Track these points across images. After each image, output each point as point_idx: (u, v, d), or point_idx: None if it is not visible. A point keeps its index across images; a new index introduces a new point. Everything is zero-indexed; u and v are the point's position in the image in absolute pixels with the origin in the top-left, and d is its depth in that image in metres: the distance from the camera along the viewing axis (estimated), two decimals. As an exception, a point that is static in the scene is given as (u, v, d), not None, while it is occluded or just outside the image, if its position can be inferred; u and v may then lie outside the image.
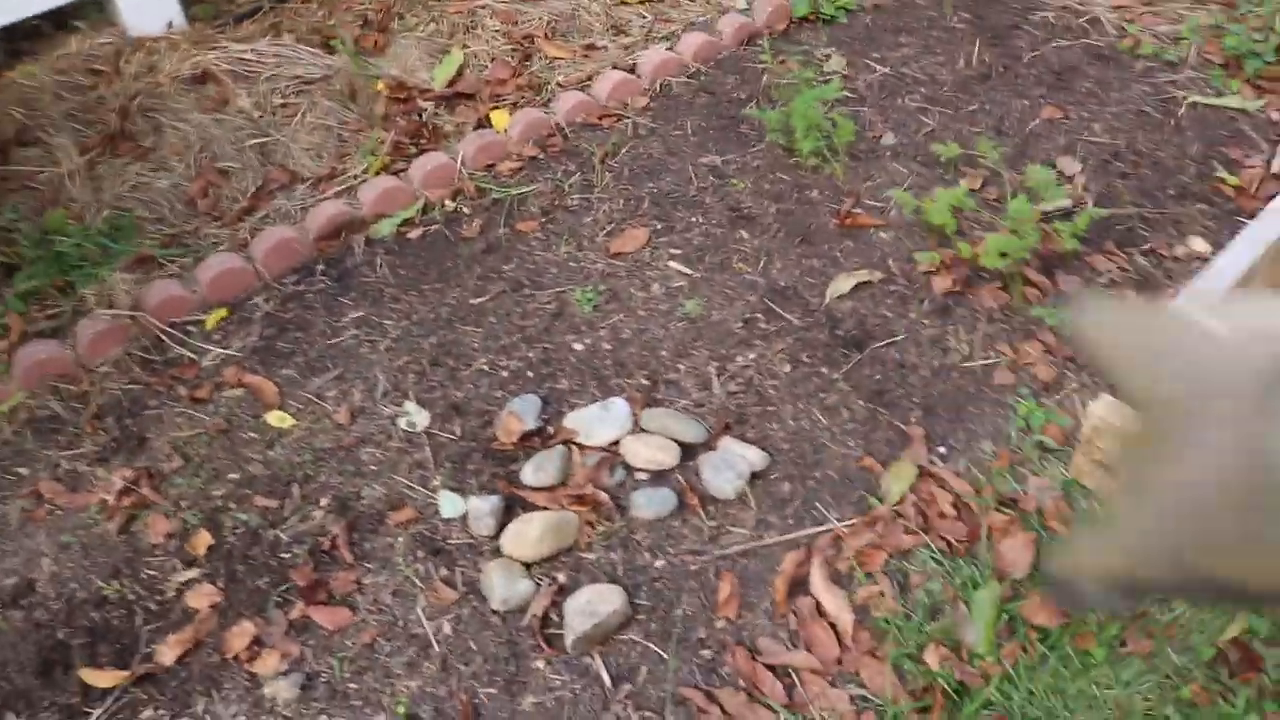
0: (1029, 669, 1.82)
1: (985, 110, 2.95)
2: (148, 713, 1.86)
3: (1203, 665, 1.82)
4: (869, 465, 2.13)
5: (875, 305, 2.43)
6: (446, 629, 1.93)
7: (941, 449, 2.16)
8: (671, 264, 2.54)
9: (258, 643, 1.92)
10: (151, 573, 2.04)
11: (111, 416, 2.32)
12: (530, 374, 2.32)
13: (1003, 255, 2.35)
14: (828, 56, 3.12)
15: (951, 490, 2.08)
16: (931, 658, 1.84)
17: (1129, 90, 3.01)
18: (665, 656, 1.87)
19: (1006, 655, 1.83)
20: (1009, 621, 1.88)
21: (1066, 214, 2.51)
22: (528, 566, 1.99)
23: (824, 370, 2.30)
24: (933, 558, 1.97)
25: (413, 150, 2.84)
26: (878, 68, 3.11)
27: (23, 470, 2.25)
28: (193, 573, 2.03)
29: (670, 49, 3.09)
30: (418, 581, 1.99)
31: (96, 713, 1.86)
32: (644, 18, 3.21)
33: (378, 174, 2.76)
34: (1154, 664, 1.82)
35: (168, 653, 1.92)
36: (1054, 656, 1.84)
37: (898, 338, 2.36)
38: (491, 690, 1.84)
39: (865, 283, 2.47)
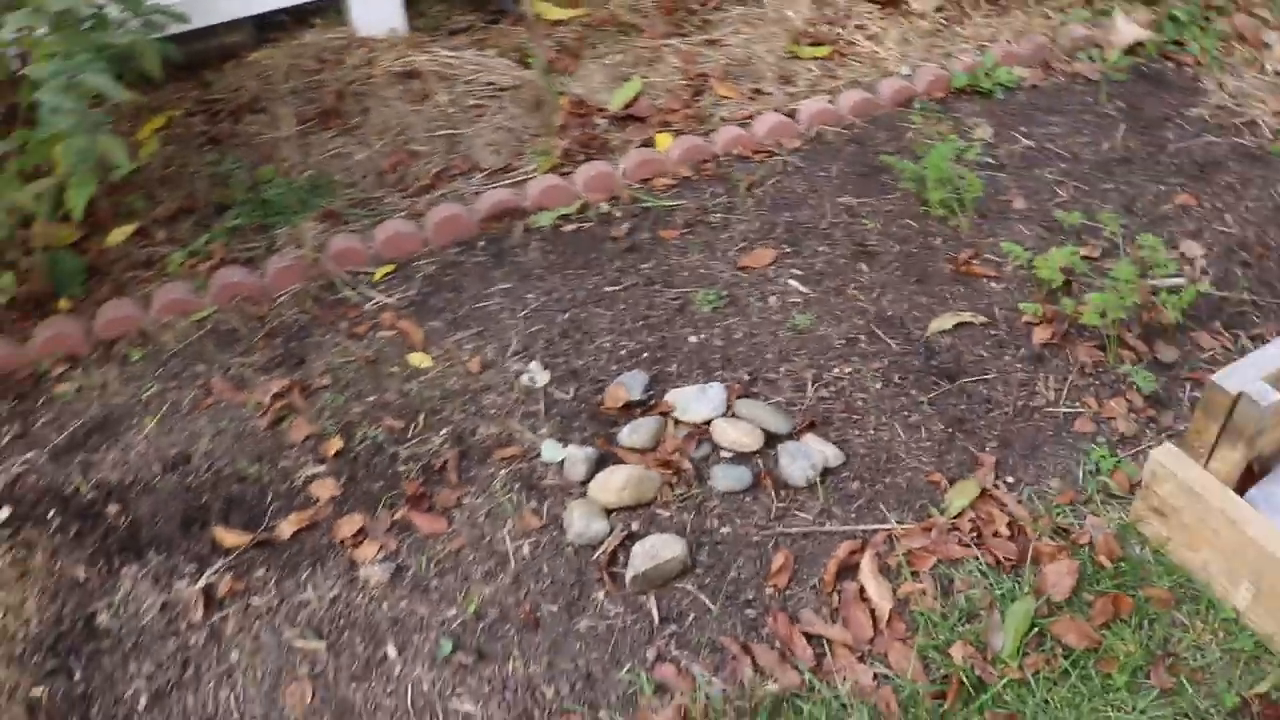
0: (1048, 680, 1.92)
1: (1119, 190, 3.08)
2: (260, 572, 2.16)
3: (1224, 713, 1.89)
4: (936, 480, 2.28)
5: (973, 344, 2.58)
6: (525, 550, 2.16)
7: (1009, 478, 2.29)
8: (791, 282, 2.75)
9: (362, 533, 2.20)
10: (286, 464, 2.36)
11: (281, 337, 2.67)
12: (645, 355, 2.57)
13: (1102, 315, 2.48)
14: (976, 125, 3.30)
15: (1010, 514, 2.21)
16: (957, 652, 1.96)
17: (1271, 188, 3.09)
18: (712, 607, 2.06)
19: (1029, 664, 1.94)
20: (1038, 636, 1.99)
21: (1176, 290, 2.61)
22: (608, 512, 2.21)
23: (913, 392, 2.46)
24: (979, 569, 2.11)
25: (581, 158, 3.14)
26: (1022, 140, 3.28)
27: (200, 367, 2.61)
28: (320, 469, 2.34)
29: (830, 101, 3.33)
30: (509, 508, 2.24)
31: (219, 564, 2.17)
32: (811, 71, 3.46)
33: (546, 173, 3.08)
34: (1173, 701, 1.90)
35: (286, 528, 2.22)
36: (1075, 674, 1.93)
37: (989, 375, 2.50)
38: (553, 608, 2.07)
39: (968, 323, 2.63)
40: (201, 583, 2.15)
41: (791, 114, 3.29)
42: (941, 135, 3.09)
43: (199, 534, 2.24)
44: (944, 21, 3.75)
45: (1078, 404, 2.45)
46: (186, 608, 2.12)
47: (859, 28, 3.65)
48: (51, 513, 2.33)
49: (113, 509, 2.32)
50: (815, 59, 3.52)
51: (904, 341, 2.59)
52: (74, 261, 2.85)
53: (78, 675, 2.04)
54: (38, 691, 2.01)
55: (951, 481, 2.27)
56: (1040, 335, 2.59)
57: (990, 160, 3.18)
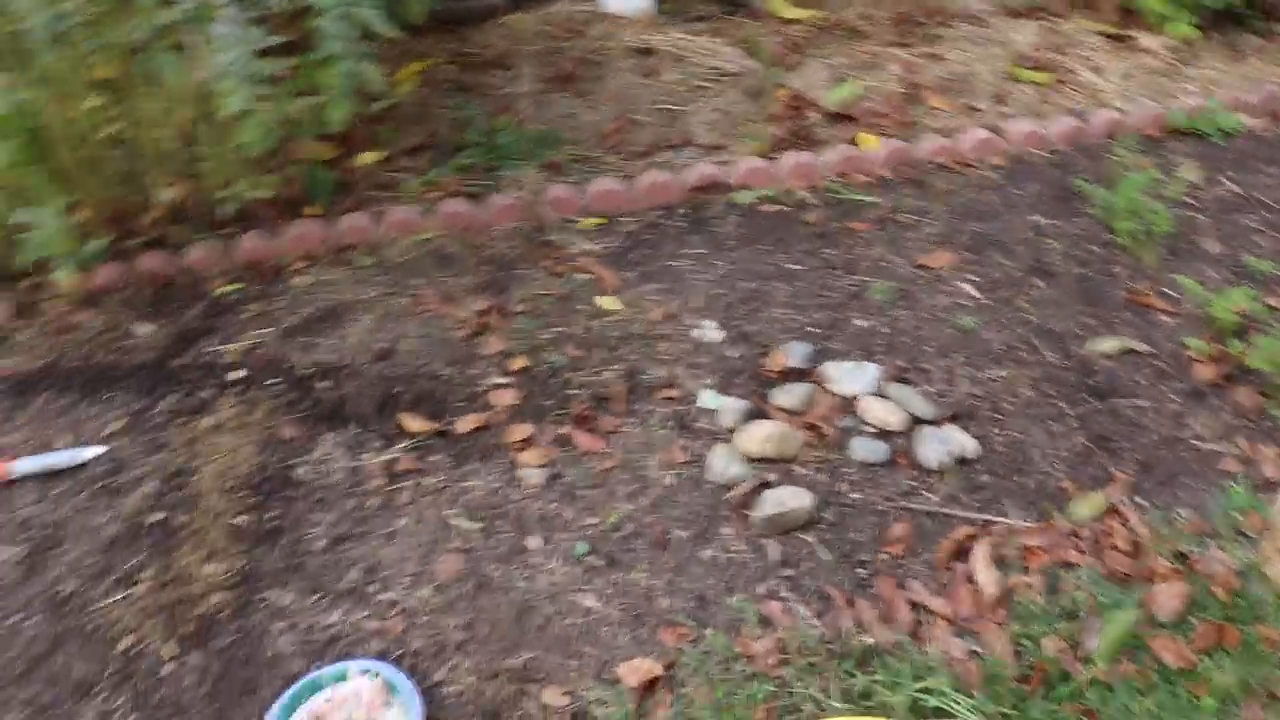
0: (1135, 689, 1.99)
1: (1321, 249, 3.07)
2: (435, 457, 2.46)
3: (1310, 760, 1.93)
4: (1065, 488, 2.37)
5: (1132, 371, 2.65)
6: (668, 480, 2.39)
7: (1140, 499, 2.37)
8: (965, 285, 2.88)
9: (528, 441, 2.47)
10: (475, 372, 2.66)
11: (491, 265, 2.98)
12: (813, 330, 2.75)
13: (1273, 363, 2.51)
14: (1183, 164, 3.32)
15: (1133, 530, 2.28)
16: (1049, 644, 2.06)
17: None
18: (827, 560, 2.23)
19: (1119, 671, 2.01)
20: (1134, 648, 2.05)
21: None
22: (748, 460, 2.41)
23: (1061, 404, 2.56)
24: (1090, 576, 2.19)
25: (788, 147, 3.34)
26: (1230, 185, 3.29)
27: (417, 280, 2.95)
28: (504, 381, 2.63)
29: (1040, 125, 3.41)
30: (661, 441, 2.47)
31: (402, 444, 2.48)
32: (1026, 95, 3.55)
33: (754, 156, 3.29)
34: (1260, 733, 1.96)
35: (464, 425, 2.52)
36: (1164, 689, 1.99)
37: (1140, 402, 2.57)
38: (683, 534, 2.28)
39: (1131, 350, 2.70)
40: (385, 457, 2.46)
41: (999, 132, 3.39)
42: (1141, 169, 3.14)
43: (390, 417, 2.56)
44: (1174, 61, 3.76)
45: (1227, 444, 2.49)
46: (369, 475, 2.43)
47: (1083, 58, 3.71)
48: (274, 380, 2.70)
49: (323, 385, 2.67)
50: (1033, 83, 3.60)
51: (1062, 356, 2.68)
52: (326, 176, 3.23)
53: (272, 513, 2.38)
54: (239, 519, 2.37)
55: (1081, 491, 2.36)
56: (1203, 372, 2.64)
57: (1191, 200, 3.20)
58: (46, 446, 2.64)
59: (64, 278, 2.88)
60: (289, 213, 3.19)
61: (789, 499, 2.30)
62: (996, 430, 2.50)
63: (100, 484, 2.51)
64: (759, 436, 2.42)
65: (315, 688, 2.03)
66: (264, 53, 2.62)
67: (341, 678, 2.04)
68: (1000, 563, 2.22)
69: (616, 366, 2.66)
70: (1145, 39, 3.83)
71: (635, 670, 2.04)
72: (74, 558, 2.35)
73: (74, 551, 2.37)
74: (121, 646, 2.15)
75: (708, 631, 2.10)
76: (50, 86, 2.78)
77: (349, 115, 2.82)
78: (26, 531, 2.43)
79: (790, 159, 3.27)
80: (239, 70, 2.46)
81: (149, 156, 2.98)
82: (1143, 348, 2.71)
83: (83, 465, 2.56)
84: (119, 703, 2.06)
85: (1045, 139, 3.39)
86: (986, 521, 2.30)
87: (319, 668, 2.06)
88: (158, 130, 2.93)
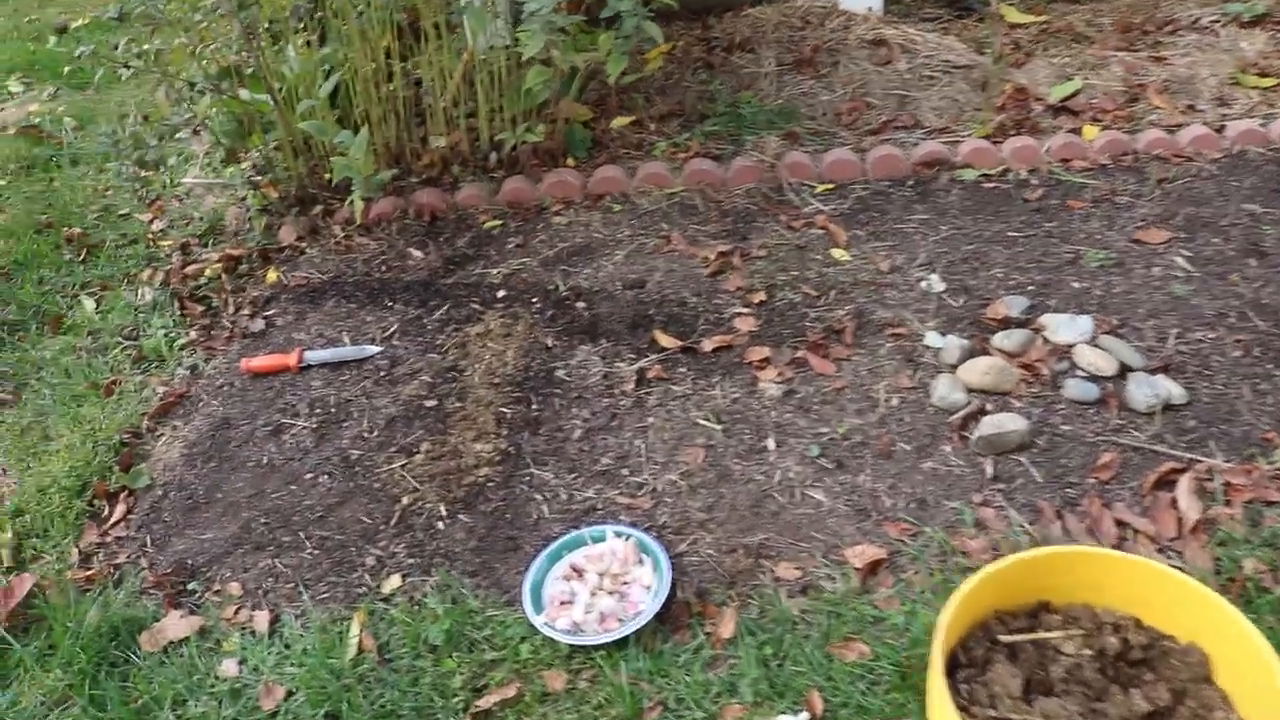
0: (1332, 607, 2.16)
1: None
2: (681, 369, 2.78)
3: None
4: (1270, 438, 2.53)
5: (1343, 344, 2.79)
6: (894, 402, 2.65)
7: (1345, 455, 2.51)
8: (1178, 259, 3.05)
9: (766, 361, 2.78)
10: (718, 302, 2.98)
11: (730, 217, 3.31)
12: (1030, 288, 2.97)
13: None
14: (1405, 168, 3.41)
15: (1338, 479, 2.43)
16: (1249, 564, 2.22)
17: None
18: (1038, 478, 2.45)
19: (1320, 591, 2.18)
20: (1337, 574, 2.22)
21: None
22: (968, 389, 2.65)
23: (1269, 366, 2.70)
24: (1291, 513, 2.36)
25: (1011, 133, 3.57)
26: None
27: (664, 225, 3.30)
28: (744, 310, 2.94)
29: (1261, 125, 3.55)
30: (889, 370, 2.73)
31: (653, 357, 2.82)
32: (1250, 99, 3.68)
33: (979, 138, 3.53)
34: None
35: (708, 344, 2.84)
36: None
37: (1353, 372, 2.71)
38: (906, 447, 2.54)
39: (1347, 327, 2.83)
40: (637, 365, 2.80)
41: (1219, 129, 3.54)
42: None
43: (641, 334, 2.90)
44: None
45: None
46: (622, 380, 2.77)
47: (1311, 66, 3.82)
48: (535, 299, 3.07)
49: (580, 305, 3.04)
50: (1258, 88, 3.73)
51: (1274, 325, 2.82)
52: (584, 133, 3.62)
53: (534, 406, 2.74)
54: (505, 409, 2.73)
55: (1285, 443, 2.51)
56: None
57: None
58: (334, 343, 3.07)
59: (356, 200, 3.32)
60: (549, 163, 3.58)
61: (1006, 422, 2.53)
62: (1204, 384, 2.66)
63: (381, 374, 2.92)
64: (980, 369, 2.66)
65: (575, 544, 2.36)
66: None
67: (600, 538, 2.36)
68: (1203, 494, 2.39)
69: (847, 306, 2.94)
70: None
71: (860, 554, 2.30)
72: (359, 431, 2.76)
73: (359, 426, 2.78)
74: (402, 503, 2.53)
75: (926, 529, 2.35)
76: (354, 43, 3.25)
77: (621, 71, 3.19)
78: (318, 408, 2.86)
79: (1012, 143, 3.49)
80: (543, 17, 2.85)
81: (432, 106, 3.43)
82: (1356, 324, 2.83)
83: (365, 359, 2.97)
84: (398, 549, 2.44)
85: (1266, 138, 3.52)
86: (1191, 460, 2.48)
87: (577, 530, 2.39)
88: (442, 80, 3.37)
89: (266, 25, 3.46)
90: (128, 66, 3.33)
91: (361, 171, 3.11)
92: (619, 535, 2.35)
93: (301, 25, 3.53)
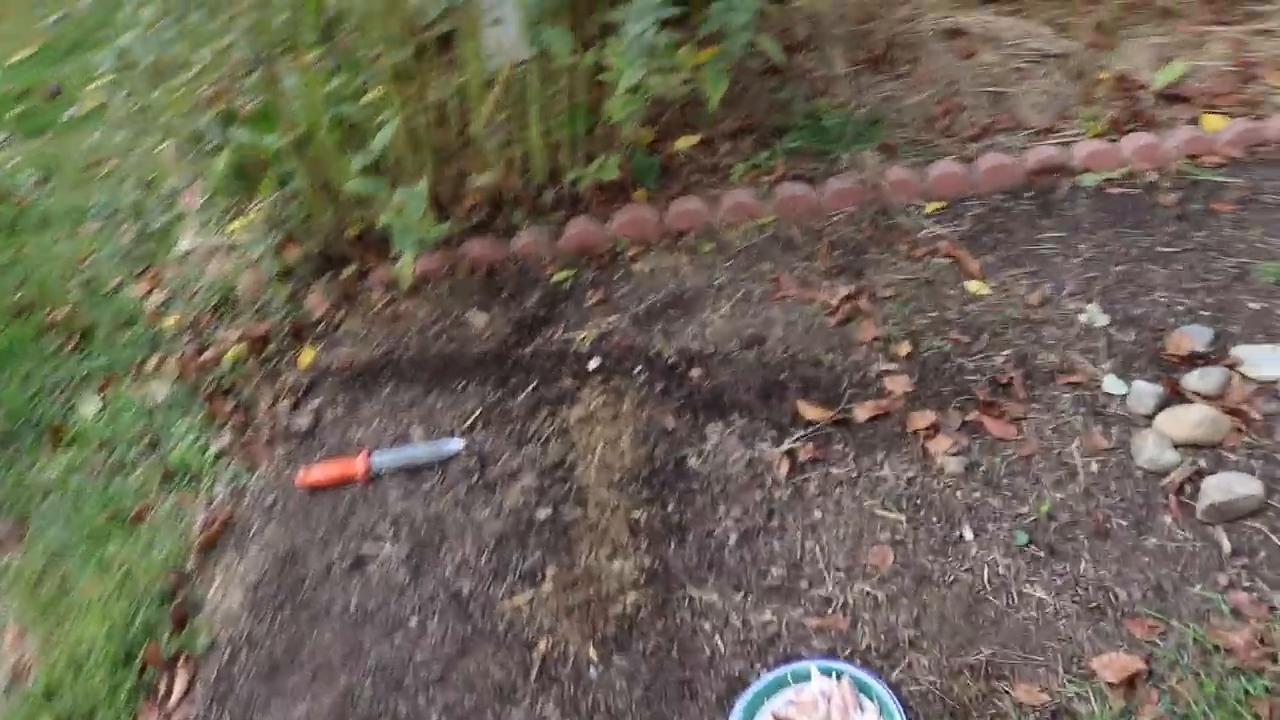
0: None
1: None
2: (837, 446, 2.37)
3: None
4: None
5: None
6: (1093, 467, 2.26)
7: None
8: (1363, 267, 2.69)
9: (934, 427, 2.37)
10: (858, 358, 2.56)
11: (840, 250, 2.90)
12: (1203, 313, 2.59)
13: None
14: None
15: None
16: None
17: None
18: (1286, 550, 2.08)
19: None
20: None
21: None
22: (1174, 445, 2.27)
23: None
24: None
25: (1128, 128, 3.18)
26: None
27: (767, 265, 2.88)
28: (892, 366, 2.53)
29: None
30: (1076, 427, 2.33)
31: (799, 434, 2.40)
32: (1377, 67, 3.34)
33: (1092, 138, 3.14)
34: None
35: (862, 413, 2.42)
36: None
37: None
38: (1122, 522, 2.15)
39: None
40: (784, 446, 2.38)
41: (1358, 110, 3.19)
42: None
43: (778, 405, 2.48)
44: None
45: None
46: (771, 465, 2.36)
47: None
48: (637, 368, 2.64)
49: (695, 373, 2.61)
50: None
51: None
52: (651, 161, 3.18)
53: (671, 507, 2.31)
54: (637, 514, 2.29)
55: None
56: None
57: None
58: (403, 440, 2.62)
59: (406, 262, 2.86)
60: (615, 198, 3.14)
61: (1235, 485, 2.15)
62: None
63: (473, 479, 2.48)
64: (1189, 421, 2.27)
65: (775, 688, 1.94)
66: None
67: (803, 677, 1.95)
68: None
69: (1005, 352, 2.54)
70: None
71: (1111, 665, 1.92)
72: (462, 556, 2.32)
73: (461, 550, 2.34)
74: (539, 649, 2.10)
75: (1174, 623, 1.97)
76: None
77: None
78: (403, 528, 2.41)
79: (1131, 141, 3.12)
80: (645, 42, 2.40)
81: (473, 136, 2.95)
82: None
83: (446, 460, 2.53)
84: (547, 708, 2.01)
85: None
86: None
87: (766, 669, 1.97)
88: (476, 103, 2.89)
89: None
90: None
91: (418, 230, 2.65)
92: (826, 673, 1.93)
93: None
